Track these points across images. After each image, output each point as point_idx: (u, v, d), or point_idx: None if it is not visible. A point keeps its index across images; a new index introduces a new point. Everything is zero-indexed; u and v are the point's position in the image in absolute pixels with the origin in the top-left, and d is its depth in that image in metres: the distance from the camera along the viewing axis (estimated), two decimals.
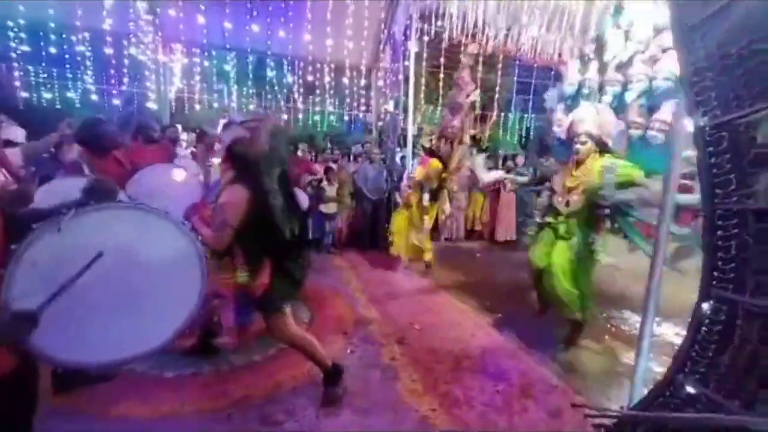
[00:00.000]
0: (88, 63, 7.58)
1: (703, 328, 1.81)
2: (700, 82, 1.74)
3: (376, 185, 5.87)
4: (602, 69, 3.20)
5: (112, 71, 7.96)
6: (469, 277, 4.98)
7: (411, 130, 6.01)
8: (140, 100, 9.01)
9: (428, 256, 4.92)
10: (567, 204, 2.87)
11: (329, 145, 9.16)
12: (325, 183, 5.59)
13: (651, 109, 2.87)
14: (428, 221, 4.74)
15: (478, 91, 4.72)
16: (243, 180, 2.05)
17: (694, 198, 2.42)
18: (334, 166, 6.00)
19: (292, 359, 2.66)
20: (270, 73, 7.95)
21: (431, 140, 4.89)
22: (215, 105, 8.81)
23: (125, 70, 8.00)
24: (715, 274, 1.72)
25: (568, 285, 2.89)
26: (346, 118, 10.71)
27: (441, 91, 8.46)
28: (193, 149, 5.15)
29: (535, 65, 8.13)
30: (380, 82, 7.47)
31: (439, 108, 10.34)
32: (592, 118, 2.82)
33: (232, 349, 2.78)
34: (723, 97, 1.66)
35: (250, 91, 8.69)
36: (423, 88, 9.39)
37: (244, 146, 2.05)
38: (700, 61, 1.72)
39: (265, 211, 2.05)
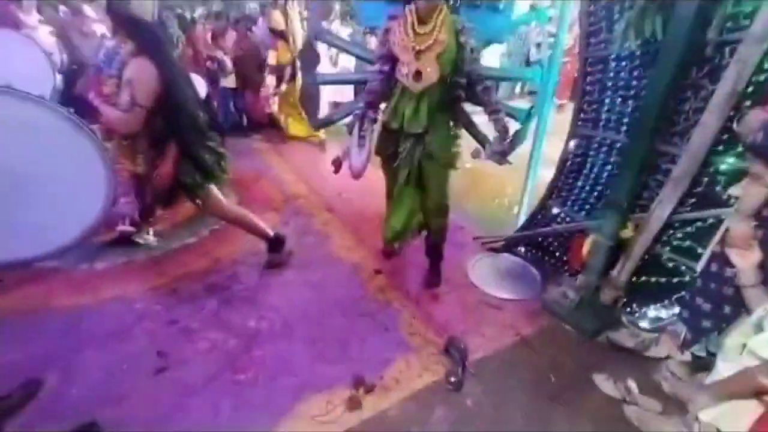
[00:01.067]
0: None
1: (568, 162, 2.29)
2: None
3: None
4: None
5: None
6: None
7: None
8: None
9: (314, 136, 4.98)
10: (419, 76, 1.80)
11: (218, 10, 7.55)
12: (220, 53, 4.82)
13: None
14: (297, 103, 4.76)
15: None
16: (147, 52, 1.80)
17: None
18: (230, 33, 5.14)
19: (228, 237, 2.80)
20: None
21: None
22: None
23: None
24: (581, 115, 2.10)
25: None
26: None
27: None
28: (40, 18, 4.00)
29: None
30: None
31: None
32: None
33: (161, 236, 2.78)
34: None
35: None
36: None
37: (128, 8, 1.72)
38: None
39: (174, 89, 1.87)
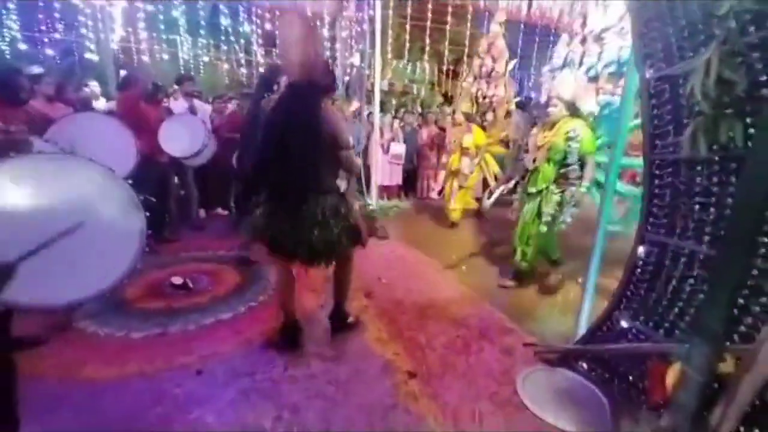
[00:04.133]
0: (10, 5, 6.68)
1: (637, 270, 2.00)
2: (648, 33, 1.77)
3: None
4: (583, 41, 3.70)
5: (41, 16, 7.08)
6: (441, 234, 5.11)
7: (379, 86, 5.80)
8: (79, 50, 8.09)
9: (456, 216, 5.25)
10: (534, 161, 3.18)
11: None
12: None
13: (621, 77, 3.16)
14: (472, 184, 5.23)
15: (515, 60, 5.32)
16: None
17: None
18: None
19: (263, 315, 2.74)
20: (224, 22, 7.32)
21: (472, 108, 5.28)
22: (165, 57, 8.07)
23: (57, 15, 7.12)
24: (651, 219, 1.87)
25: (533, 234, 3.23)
26: None
27: (408, 45, 8.14)
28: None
29: (537, 28, 8.32)
30: (344, 33, 7.07)
31: (409, 63, 10.00)
32: (567, 83, 3.20)
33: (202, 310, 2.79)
34: (668, 49, 1.71)
35: (204, 41, 7.99)
36: (391, 41, 8.97)
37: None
38: (650, 10, 1.74)
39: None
